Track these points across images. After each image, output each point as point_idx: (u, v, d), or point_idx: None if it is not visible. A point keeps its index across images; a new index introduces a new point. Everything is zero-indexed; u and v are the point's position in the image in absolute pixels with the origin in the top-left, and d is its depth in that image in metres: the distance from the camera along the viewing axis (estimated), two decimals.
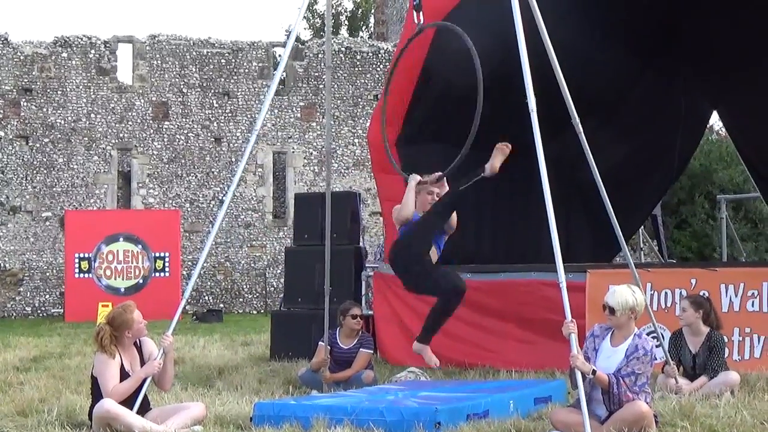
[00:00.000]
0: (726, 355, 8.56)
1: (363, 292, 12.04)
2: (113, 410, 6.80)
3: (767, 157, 15.70)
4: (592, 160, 7.58)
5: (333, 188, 11.69)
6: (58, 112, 25.04)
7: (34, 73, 25.01)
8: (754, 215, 27.39)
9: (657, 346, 7.81)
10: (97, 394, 7.03)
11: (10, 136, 24.79)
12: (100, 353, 7.12)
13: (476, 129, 7.83)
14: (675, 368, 8.30)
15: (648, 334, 7.45)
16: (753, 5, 12.60)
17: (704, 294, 9.18)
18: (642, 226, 18.75)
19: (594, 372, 6.34)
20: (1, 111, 24.78)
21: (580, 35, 12.20)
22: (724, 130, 21.99)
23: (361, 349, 9.57)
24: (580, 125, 7.44)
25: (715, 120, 19.53)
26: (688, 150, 17.57)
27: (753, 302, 9.72)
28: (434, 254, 8.08)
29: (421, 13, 8.83)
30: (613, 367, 6.44)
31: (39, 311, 24.79)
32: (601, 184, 7.67)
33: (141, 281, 22.47)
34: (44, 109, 24.96)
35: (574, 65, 11.51)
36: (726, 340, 8.83)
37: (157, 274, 22.54)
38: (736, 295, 9.77)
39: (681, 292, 9.69)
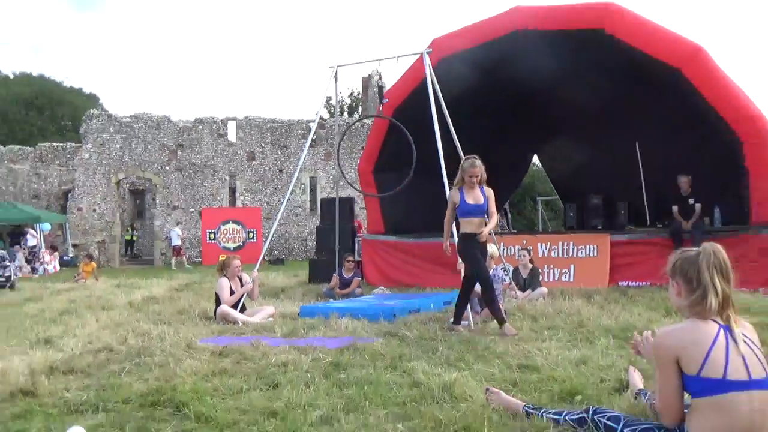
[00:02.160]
0: (540, 278, 8.63)
1: (357, 248, 12.04)
2: (226, 310, 6.80)
3: (560, 179, 15.84)
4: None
5: (340, 195, 11.64)
6: (198, 157, 24.76)
7: (184, 136, 24.72)
8: (555, 207, 27.59)
9: (506, 274, 7.87)
10: (217, 302, 7.01)
11: (172, 170, 24.52)
12: (219, 278, 7.12)
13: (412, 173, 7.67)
14: (515, 286, 8.37)
15: (501, 269, 7.50)
16: (560, 86, 11.52)
17: (530, 248, 9.24)
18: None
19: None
20: (167, 156, 24.48)
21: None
22: (540, 164, 22.02)
23: (355, 278, 9.57)
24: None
25: (536, 158, 19.52)
26: (521, 174, 17.61)
27: (554, 251, 9.78)
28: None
29: (381, 105, 8.72)
30: None
31: (190, 262, 24.53)
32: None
33: (241, 244, 22.28)
34: (189, 156, 24.68)
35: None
36: (540, 271, 8.89)
37: (250, 240, 22.42)
38: (546, 249, 9.84)
39: (518, 248, 9.74)
